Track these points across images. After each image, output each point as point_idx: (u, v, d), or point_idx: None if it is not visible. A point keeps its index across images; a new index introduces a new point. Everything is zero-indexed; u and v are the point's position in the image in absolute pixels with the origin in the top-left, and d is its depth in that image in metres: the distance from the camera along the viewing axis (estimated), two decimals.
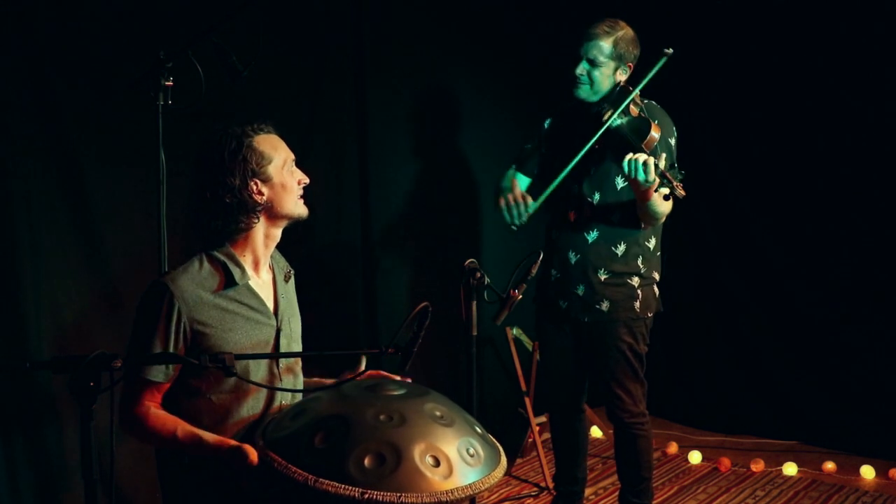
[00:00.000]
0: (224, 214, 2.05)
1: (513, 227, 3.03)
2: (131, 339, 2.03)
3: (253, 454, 1.83)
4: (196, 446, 1.95)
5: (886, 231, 4.23)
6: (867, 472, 4.01)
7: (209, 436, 1.95)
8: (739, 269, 4.74)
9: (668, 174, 2.73)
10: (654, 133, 2.87)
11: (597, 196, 3.10)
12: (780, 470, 4.10)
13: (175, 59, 2.48)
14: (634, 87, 2.95)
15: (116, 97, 2.91)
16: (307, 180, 2.16)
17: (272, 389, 2.10)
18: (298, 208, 2.14)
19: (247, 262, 2.11)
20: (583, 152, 2.94)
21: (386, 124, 3.96)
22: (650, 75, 2.94)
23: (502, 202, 3.05)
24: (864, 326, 4.33)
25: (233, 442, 1.92)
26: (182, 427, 1.97)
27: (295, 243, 2.38)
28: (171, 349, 1.98)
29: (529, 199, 3.01)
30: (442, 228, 4.25)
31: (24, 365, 2.69)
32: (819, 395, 4.48)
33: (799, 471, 4.09)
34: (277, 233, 2.16)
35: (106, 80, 2.91)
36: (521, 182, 3.27)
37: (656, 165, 2.73)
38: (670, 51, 2.94)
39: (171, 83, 2.50)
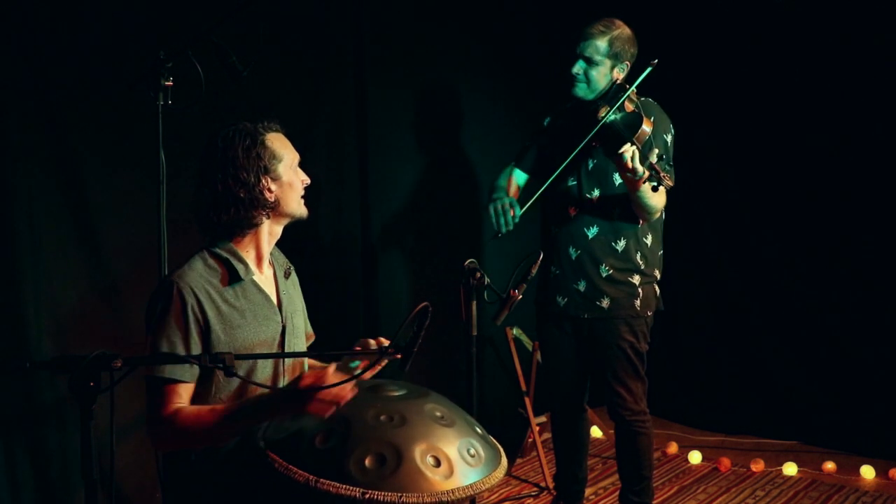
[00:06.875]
0: (236, 208, 2.05)
1: (499, 235, 3.01)
2: (149, 341, 1.97)
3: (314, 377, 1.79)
4: (249, 412, 1.86)
5: (887, 231, 4.22)
6: (867, 472, 4.01)
7: (256, 397, 1.88)
8: (739, 268, 4.73)
9: (656, 166, 2.74)
10: (646, 127, 2.88)
11: (596, 192, 3.11)
12: (780, 470, 4.10)
13: (175, 59, 2.48)
14: (631, 85, 2.97)
15: (116, 97, 2.91)
16: (309, 181, 2.19)
17: (275, 389, 2.09)
18: (301, 208, 2.17)
19: (249, 258, 2.13)
20: (577, 150, 2.96)
21: (386, 124, 3.95)
22: (635, 84, 2.96)
23: (492, 209, 3.04)
24: (864, 326, 4.32)
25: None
26: (218, 407, 1.91)
27: (295, 242, 2.38)
28: (192, 346, 1.96)
29: (517, 209, 3.01)
30: (442, 228, 4.25)
31: (24, 365, 2.69)
32: (819, 395, 4.48)
33: (799, 471, 4.08)
34: (279, 230, 2.18)
35: (106, 80, 2.91)
36: (519, 178, 3.29)
37: (645, 157, 2.74)
38: (655, 61, 2.94)
39: (171, 83, 2.50)
